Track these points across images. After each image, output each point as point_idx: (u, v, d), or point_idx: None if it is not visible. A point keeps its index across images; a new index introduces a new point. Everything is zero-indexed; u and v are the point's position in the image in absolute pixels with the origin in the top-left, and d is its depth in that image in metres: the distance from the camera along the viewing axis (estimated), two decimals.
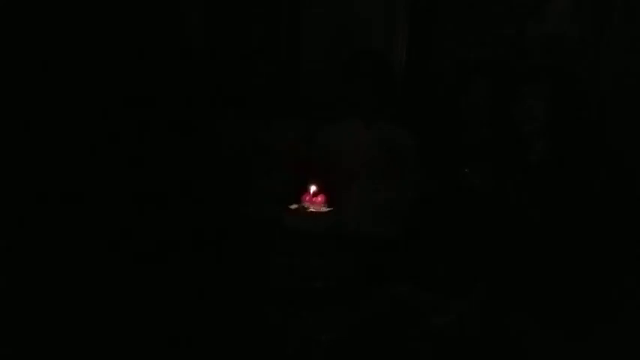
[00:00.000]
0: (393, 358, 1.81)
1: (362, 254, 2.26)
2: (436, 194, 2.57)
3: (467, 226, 2.35)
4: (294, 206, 2.19)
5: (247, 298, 2.08)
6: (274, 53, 3.33)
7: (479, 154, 2.45)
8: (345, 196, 2.56)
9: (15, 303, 2.02)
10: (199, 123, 2.62)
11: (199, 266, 2.27)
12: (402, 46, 3.14)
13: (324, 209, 2.17)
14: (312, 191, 2.20)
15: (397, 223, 2.62)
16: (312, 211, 2.14)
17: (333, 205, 2.21)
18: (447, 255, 2.28)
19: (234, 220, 2.53)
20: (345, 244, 2.25)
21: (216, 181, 2.62)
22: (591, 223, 2.07)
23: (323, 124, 2.82)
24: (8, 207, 2.16)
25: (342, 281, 2.10)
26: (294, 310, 1.99)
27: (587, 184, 2.11)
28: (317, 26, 3.43)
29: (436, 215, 2.49)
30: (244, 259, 2.27)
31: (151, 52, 2.57)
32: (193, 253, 2.34)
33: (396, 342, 1.87)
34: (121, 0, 2.46)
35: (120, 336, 1.96)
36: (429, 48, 3.12)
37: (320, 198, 2.19)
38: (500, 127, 2.35)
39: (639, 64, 2.53)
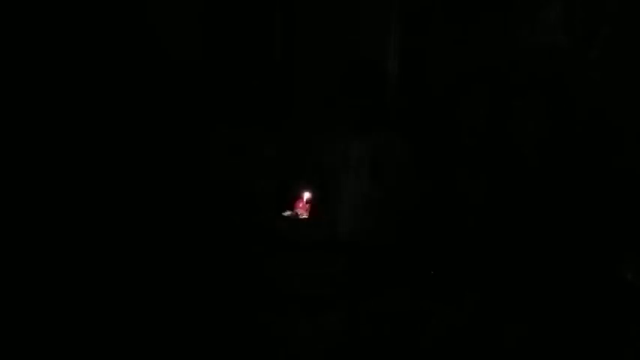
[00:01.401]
0: None
1: (355, 261, 2.26)
2: (430, 201, 2.58)
3: (462, 233, 2.36)
4: (287, 213, 2.20)
5: (243, 306, 2.08)
6: (268, 62, 3.34)
7: (474, 163, 2.46)
8: (338, 203, 2.56)
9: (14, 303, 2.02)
10: (195, 132, 2.63)
11: (196, 275, 2.27)
12: (396, 54, 3.15)
13: (316, 216, 2.18)
14: (305, 199, 2.21)
15: (390, 230, 2.62)
16: (305, 219, 2.15)
17: (326, 212, 2.22)
18: (441, 262, 2.28)
19: (230, 229, 2.53)
20: (339, 251, 2.25)
21: (211, 190, 2.62)
22: (586, 233, 2.09)
23: (317, 132, 2.82)
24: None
25: (337, 288, 2.10)
26: (291, 318, 1.99)
27: (581, 194, 2.13)
28: (311, 34, 3.44)
29: (431, 222, 2.49)
30: (240, 267, 2.26)
31: (149, 63, 2.59)
32: (190, 261, 2.34)
33: (391, 348, 1.87)
34: (119, 10, 2.48)
35: (117, 342, 1.96)
36: (423, 56, 3.13)
37: (313, 206, 2.19)
38: (495, 137, 2.36)
39: (628, 74, 2.54)
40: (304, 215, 2.18)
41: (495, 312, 1.96)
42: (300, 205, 2.21)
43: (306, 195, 2.26)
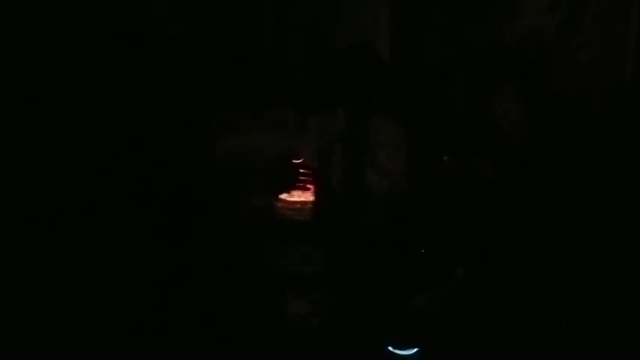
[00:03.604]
0: (379, 340, 1.87)
1: (348, 241, 2.34)
2: (419, 184, 2.66)
3: (448, 215, 2.44)
4: (283, 196, 2.28)
5: (238, 285, 2.16)
6: (259, 47, 3.39)
7: (459, 149, 2.53)
8: (332, 186, 2.64)
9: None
10: (190, 122, 2.68)
11: (191, 255, 2.33)
12: (386, 40, 3.22)
13: (312, 199, 2.26)
14: (300, 182, 2.30)
15: (382, 211, 2.70)
16: (301, 201, 2.23)
17: (321, 194, 2.30)
18: (428, 242, 2.36)
19: (226, 210, 2.60)
20: (332, 232, 2.34)
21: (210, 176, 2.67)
22: (569, 217, 2.17)
23: (309, 115, 2.89)
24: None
25: (330, 267, 2.19)
26: (284, 296, 2.08)
27: (565, 179, 2.21)
28: (301, 20, 3.49)
29: (419, 204, 2.57)
30: (235, 247, 2.34)
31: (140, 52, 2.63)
32: (185, 242, 2.41)
33: (381, 324, 1.95)
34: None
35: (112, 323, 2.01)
36: (411, 43, 3.20)
37: (309, 188, 2.28)
38: (479, 123, 2.42)
39: (612, 60, 2.61)
40: (300, 198, 2.27)
41: (479, 289, 2.05)
42: (296, 188, 2.29)
43: (302, 178, 2.35)
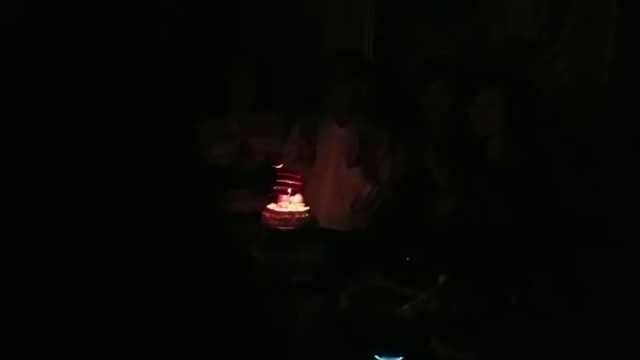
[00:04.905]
0: (367, 344, 1.90)
1: (336, 248, 2.40)
2: (403, 187, 2.72)
3: (433, 221, 2.50)
4: (272, 206, 2.33)
5: (228, 291, 2.21)
6: (246, 50, 3.43)
7: (441, 152, 2.59)
8: (318, 193, 2.70)
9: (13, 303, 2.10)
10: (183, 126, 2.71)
11: (180, 261, 2.38)
12: (370, 44, 3.26)
13: (301, 209, 2.31)
14: (289, 191, 2.35)
15: (368, 218, 2.76)
16: (289, 211, 2.29)
17: (309, 203, 2.35)
18: (414, 247, 2.42)
19: (216, 217, 2.65)
20: (320, 239, 2.39)
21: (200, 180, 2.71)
22: (547, 219, 2.23)
23: (298, 119, 2.93)
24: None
25: (319, 273, 2.25)
26: (274, 302, 2.14)
27: (544, 183, 2.28)
28: (286, 22, 3.52)
29: (405, 209, 2.63)
30: (225, 254, 2.39)
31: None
32: (175, 248, 2.46)
33: (369, 328, 2.02)
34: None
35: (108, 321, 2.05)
36: (395, 47, 3.24)
37: (297, 198, 2.33)
38: (459, 127, 2.48)
39: (594, 68, 2.67)
40: (288, 207, 2.31)
41: (464, 290, 2.11)
42: (284, 196, 2.34)
43: (289, 185, 2.40)
